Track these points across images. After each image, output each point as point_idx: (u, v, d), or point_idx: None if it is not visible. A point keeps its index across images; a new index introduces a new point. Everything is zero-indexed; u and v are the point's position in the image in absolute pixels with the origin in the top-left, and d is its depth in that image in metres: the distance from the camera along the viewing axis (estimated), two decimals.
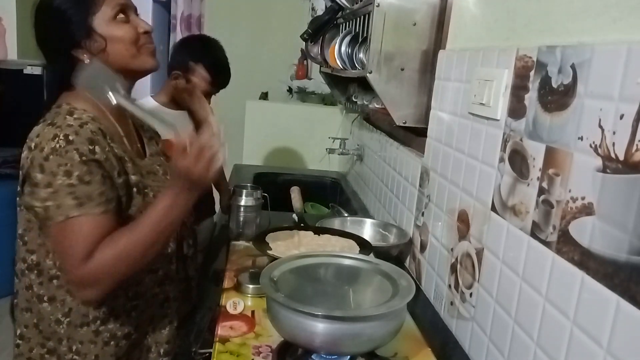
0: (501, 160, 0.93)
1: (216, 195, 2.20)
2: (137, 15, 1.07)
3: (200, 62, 1.79)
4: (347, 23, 1.68)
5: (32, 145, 0.93)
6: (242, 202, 1.48)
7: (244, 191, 1.49)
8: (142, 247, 0.94)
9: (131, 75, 1.07)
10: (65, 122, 0.95)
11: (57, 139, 0.92)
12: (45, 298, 1.01)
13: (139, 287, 1.07)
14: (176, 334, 1.17)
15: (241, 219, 1.48)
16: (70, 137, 0.92)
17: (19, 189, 1.00)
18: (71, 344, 1.02)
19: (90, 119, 0.98)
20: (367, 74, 1.36)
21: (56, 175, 0.90)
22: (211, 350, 0.92)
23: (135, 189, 1.02)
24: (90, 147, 0.94)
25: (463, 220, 1.08)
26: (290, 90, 3.24)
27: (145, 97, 1.91)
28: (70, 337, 1.02)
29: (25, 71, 3.13)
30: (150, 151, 1.16)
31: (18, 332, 1.05)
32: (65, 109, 0.98)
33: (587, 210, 0.67)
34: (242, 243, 1.45)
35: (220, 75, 1.83)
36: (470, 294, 1.02)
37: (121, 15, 1.02)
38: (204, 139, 0.93)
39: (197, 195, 0.96)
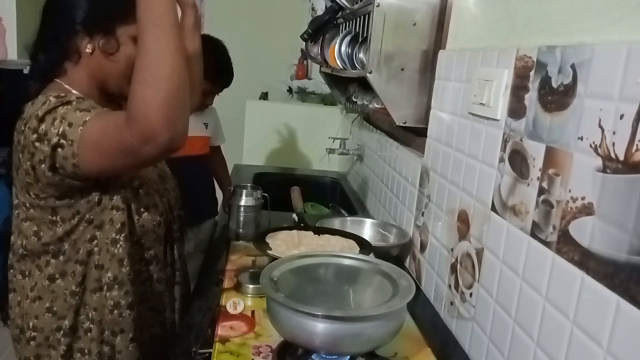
0: (501, 160, 0.93)
1: (219, 196, 2.21)
2: None
3: (212, 75, 1.80)
4: (347, 23, 1.68)
5: (22, 127, 0.95)
6: (242, 202, 1.48)
7: (244, 191, 1.49)
8: (154, 56, 0.84)
9: (107, 91, 1.07)
10: (53, 93, 0.96)
11: (47, 101, 0.93)
12: (57, 275, 1.03)
13: (128, 257, 1.07)
14: (173, 318, 1.19)
15: (241, 218, 1.48)
16: (62, 94, 0.95)
17: (15, 182, 1.01)
18: (88, 312, 1.06)
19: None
20: (367, 74, 1.36)
21: (57, 110, 0.91)
22: (211, 350, 0.92)
23: (130, 186, 1.05)
24: (78, 95, 0.97)
25: (463, 220, 1.08)
26: (290, 90, 3.24)
27: None
28: (87, 303, 1.05)
29: (25, 71, 3.12)
30: None
31: (31, 324, 1.05)
32: (50, 95, 0.97)
33: (587, 210, 0.67)
34: (242, 243, 1.45)
35: (223, 75, 1.83)
36: (470, 294, 1.02)
37: None
38: None
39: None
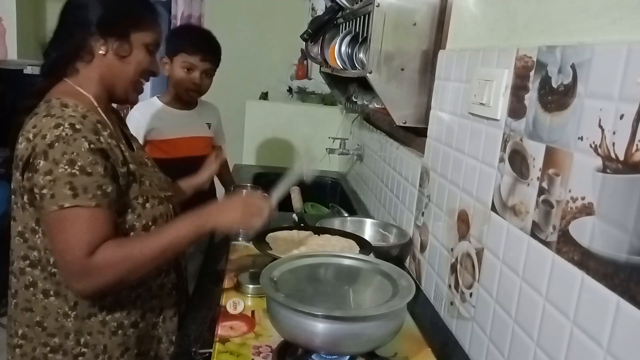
0: (501, 160, 0.93)
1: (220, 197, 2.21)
2: (156, 54, 1.13)
3: (185, 44, 1.79)
4: (347, 23, 1.68)
5: (30, 135, 0.94)
6: None
7: (244, 191, 1.49)
8: (150, 258, 0.98)
9: (109, 95, 1.09)
10: (64, 113, 0.96)
11: (61, 127, 0.92)
12: (52, 292, 1.01)
13: (153, 280, 1.09)
14: (180, 325, 1.18)
15: None
16: (77, 126, 0.94)
17: (13, 185, 1.00)
18: (79, 337, 1.03)
19: (87, 112, 0.99)
20: (367, 74, 1.36)
21: (58, 164, 0.91)
22: (211, 350, 0.92)
23: (131, 177, 1.04)
24: (96, 137, 0.96)
25: (463, 220, 1.08)
26: (290, 90, 3.24)
27: (152, 99, 1.92)
28: (78, 330, 1.03)
29: (25, 71, 3.13)
30: (135, 145, 1.19)
31: (20, 332, 1.04)
32: (57, 102, 0.98)
33: (587, 210, 0.67)
34: (242, 243, 1.45)
35: (206, 48, 1.81)
36: (470, 294, 1.02)
37: (152, 47, 1.09)
38: (262, 201, 1.11)
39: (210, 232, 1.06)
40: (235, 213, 1.05)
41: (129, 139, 1.17)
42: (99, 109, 1.05)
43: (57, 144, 0.91)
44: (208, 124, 1.96)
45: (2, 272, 1.11)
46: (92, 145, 0.93)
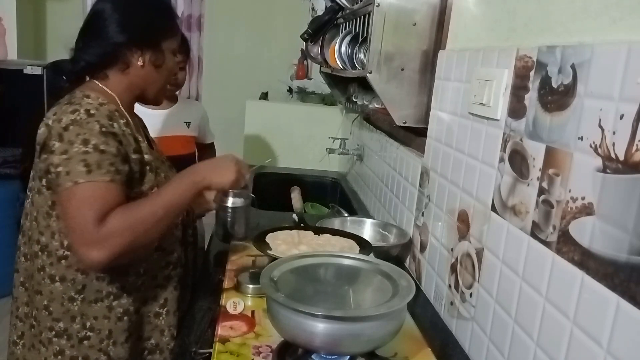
0: (501, 160, 0.93)
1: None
2: None
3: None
4: (347, 23, 1.68)
5: (50, 121, 0.99)
6: (230, 204, 1.38)
7: (231, 192, 1.44)
8: (155, 218, 0.99)
9: (140, 98, 1.15)
10: (83, 101, 1.01)
11: (77, 112, 0.98)
12: (57, 278, 1.04)
13: (148, 264, 1.11)
14: (181, 322, 1.20)
15: (229, 219, 1.39)
16: (92, 111, 0.99)
17: (33, 171, 1.05)
18: (85, 321, 1.06)
19: (107, 102, 1.04)
20: (367, 74, 1.36)
21: (73, 144, 0.95)
22: (211, 350, 0.92)
23: (148, 167, 1.08)
24: (110, 122, 1.00)
25: (463, 220, 1.08)
26: (290, 90, 3.24)
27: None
28: (84, 313, 1.06)
29: (25, 71, 3.13)
30: (156, 148, 1.24)
31: (33, 313, 1.06)
32: (80, 94, 1.03)
33: (587, 210, 0.67)
34: (242, 243, 1.45)
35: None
36: (470, 294, 1.02)
37: (177, 52, 1.16)
38: (242, 161, 1.14)
39: (198, 195, 1.08)
40: (230, 172, 1.09)
41: (150, 141, 1.22)
42: (121, 106, 1.08)
43: (71, 126, 0.96)
44: (187, 122, 1.94)
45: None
46: (103, 129, 0.98)
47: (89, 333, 1.06)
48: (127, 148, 1.02)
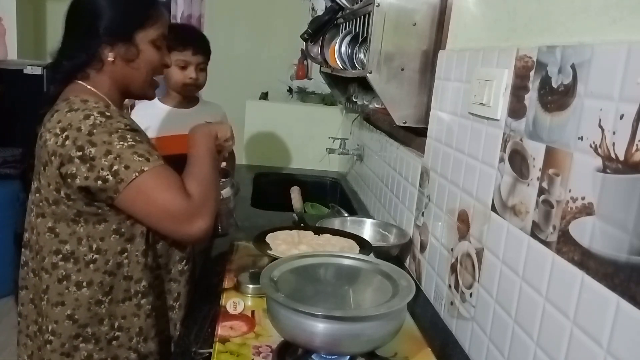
0: (501, 160, 0.93)
1: None
2: (165, 47, 1.13)
3: (174, 42, 1.79)
4: (347, 23, 1.68)
5: (57, 130, 0.95)
6: None
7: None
8: (212, 175, 1.06)
9: (128, 93, 1.12)
10: (87, 105, 0.99)
11: (91, 117, 0.96)
12: (84, 283, 1.02)
13: (164, 258, 1.13)
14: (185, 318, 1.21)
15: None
16: (107, 113, 0.98)
17: (42, 182, 1.00)
18: (113, 321, 1.06)
19: (106, 106, 1.02)
20: (367, 74, 1.36)
21: (112, 143, 0.94)
22: (211, 350, 0.92)
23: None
24: (128, 121, 1.01)
25: (463, 220, 1.08)
26: (290, 90, 3.24)
27: (151, 101, 1.93)
28: (112, 314, 1.05)
29: (25, 71, 3.14)
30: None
31: (50, 328, 1.04)
32: (77, 99, 1.00)
33: (587, 210, 0.67)
34: (242, 243, 1.45)
35: (195, 42, 1.81)
36: (470, 294, 1.02)
37: (159, 42, 1.09)
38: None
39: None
40: (222, 126, 1.18)
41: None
42: (111, 105, 1.06)
43: (95, 130, 0.94)
44: (207, 123, 1.95)
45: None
46: (128, 126, 0.98)
47: (117, 333, 1.06)
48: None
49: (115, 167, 0.93)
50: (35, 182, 1.03)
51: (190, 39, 1.80)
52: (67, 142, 0.94)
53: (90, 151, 0.93)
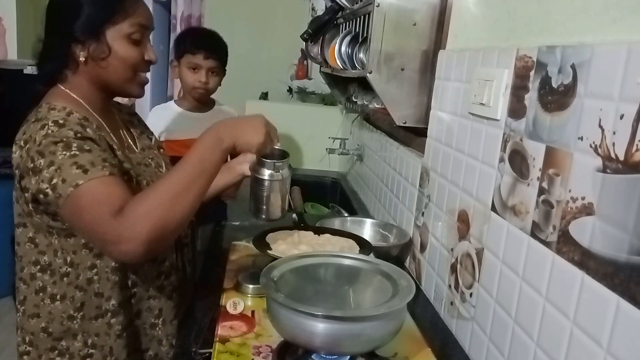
0: (501, 160, 0.93)
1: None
2: (149, 40, 1.07)
3: (188, 45, 1.81)
4: (347, 23, 1.68)
5: (22, 143, 0.94)
6: (266, 176, 1.14)
7: (272, 162, 1.15)
8: (182, 186, 0.89)
9: (111, 92, 1.08)
10: (50, 114, 0.95)
11: (46, 127, 0.92)
12: (58, 297, 1.01)
13: (138, 276, 1.07)
14: (180, 327, 1.18)
15: (264, 194, 1.16)
16: (60, 121, 0.93)
17: (15, 194, 1.00)
18: (86, 338, 1.03)
19: (74, 111, 0.98)
20: (367, 74, 1.36)
21: (55, 153, 0.89)
22: (211, 350, 0.92)
23: (126, 177, 1.01)
24: (82, 129, 0.94)
25: (463, 220, 1.08)
26: (290, 90, 3.24)
27: (169, 102, 1.98)
28: (85, 330, 1.03)
29: (25, 71, 3.13)
30: (141, 145, 1.18)
31: (27, 339, 1.03)
32: (45, 107, 0.98)
33: (587, 210, 0.67)
34: (242, 243, 1.45)
35: (209, 46, 1.82)
36: (470, 294, 1.02)
37: (136, 36, 1.02)
38: (272, 124, 1.04)
39: (226, 155, 0.96)
40: (257, 133, 0.97)
41: (135, 139, 1.17)
42: (90, 109, 1.04)
43: (44, 140, 0.90)
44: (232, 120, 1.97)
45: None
46: (78, 134, 0.92)
47: (91, 350, 1.04)
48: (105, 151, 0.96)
49: (54, 181, 0.87)
50: (14, 192, 1.01)
51: (204, 43, 1.82)
52: (23, 154, 0.92)
53: (40, 162, 0.89)
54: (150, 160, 1.16)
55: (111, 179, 0.90)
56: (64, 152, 0.89)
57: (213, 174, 0.94)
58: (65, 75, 1.03)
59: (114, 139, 1.06)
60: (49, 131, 0.91)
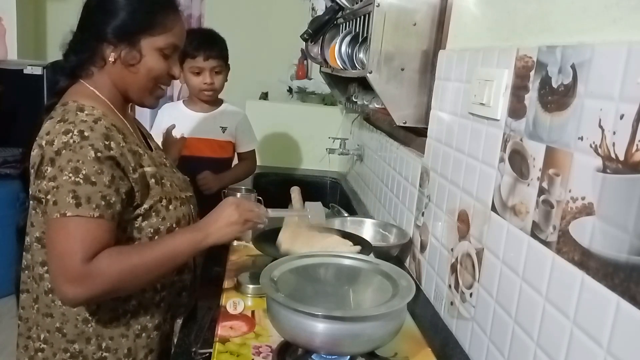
0: (501, 160, 0.93)
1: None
2: (176, 57, 1.09)
3: (187, 49, 1.80)
4: (347, 23, 1.68)
5: (43, 142, 0.94)
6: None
7: (238, 194, 1.46)
8: (146, 270, 0.96)
9: (127, 98, 1.09)
10: (77, 118, 0.95)
11: (70, 133, 0.92)
12: None
13: (165, 279, 1.09)
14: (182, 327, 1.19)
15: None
16: (86, 133, 0.93)
17: (31, 191, 1.00)
18: (100, 342, 1.04)
19: (102, 115, 0.99)
20: (367, 74, 1.36)
21: (63, 171, 0.90)
22: (211, 350, 0.92)
23: (153, 180, 1.03)
24: (106, 143, 0.94)
25: (463, 220, 1.08)
26: (290, 90, 3.24)
27: (177, 102, 2.00)
28: (100, 334, 1.03)
29: (25, 71, 3.13)
30: (153, 145, 1.20)
31: (42, 336, 1.03)
32: (74, 106, 0.98)
33: (587, 210, 0.67)
34: (242, 243, 1.45)
35: (207, 47, 1.82)
36: (470, 294, 1.02)
37: (167, 51, 1.05)
38: (256, 209, 1.07)
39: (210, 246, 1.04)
40: (235, 226, 1.03)
41: (147, 139, 1.19)
42: (115, 111, 1.05)
43: (63, 151, 0.91)
44: (223, 127, 1.97)
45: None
46: (99, 154, 0.92)
47: (104, 354, 1.04)
48: (125, 169, 0.96)
49: (48, 196, 0.90)
50: (30, 190, 1.02)
51: (201, 45, 1.82)
52: (40, 154, 0.93)
53: (47, 169, 0.91)
54: (164, 160, 1.18)
55: (99, 221, 0.92)
56: (70, 175, 0.90)
57: (179, 265, 1.05)
58: (91, 71, 1.04)
59: (137, 142, 1.07)
60: (71, 141, 0.91)
